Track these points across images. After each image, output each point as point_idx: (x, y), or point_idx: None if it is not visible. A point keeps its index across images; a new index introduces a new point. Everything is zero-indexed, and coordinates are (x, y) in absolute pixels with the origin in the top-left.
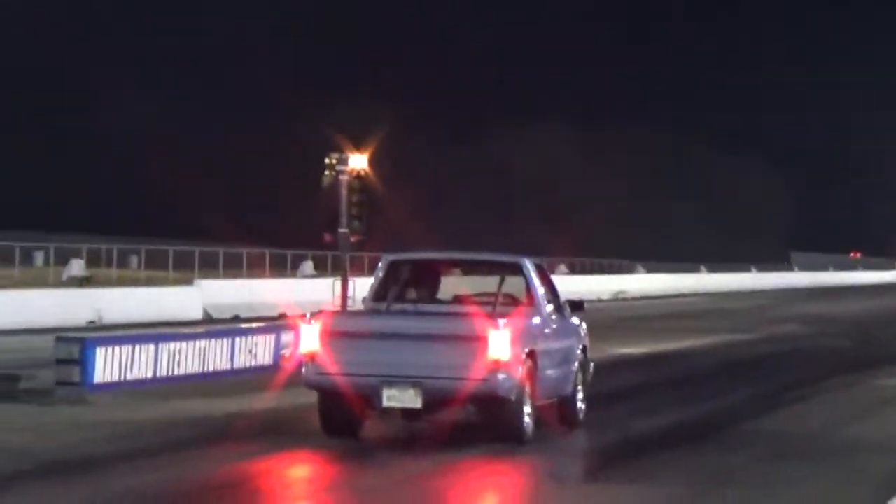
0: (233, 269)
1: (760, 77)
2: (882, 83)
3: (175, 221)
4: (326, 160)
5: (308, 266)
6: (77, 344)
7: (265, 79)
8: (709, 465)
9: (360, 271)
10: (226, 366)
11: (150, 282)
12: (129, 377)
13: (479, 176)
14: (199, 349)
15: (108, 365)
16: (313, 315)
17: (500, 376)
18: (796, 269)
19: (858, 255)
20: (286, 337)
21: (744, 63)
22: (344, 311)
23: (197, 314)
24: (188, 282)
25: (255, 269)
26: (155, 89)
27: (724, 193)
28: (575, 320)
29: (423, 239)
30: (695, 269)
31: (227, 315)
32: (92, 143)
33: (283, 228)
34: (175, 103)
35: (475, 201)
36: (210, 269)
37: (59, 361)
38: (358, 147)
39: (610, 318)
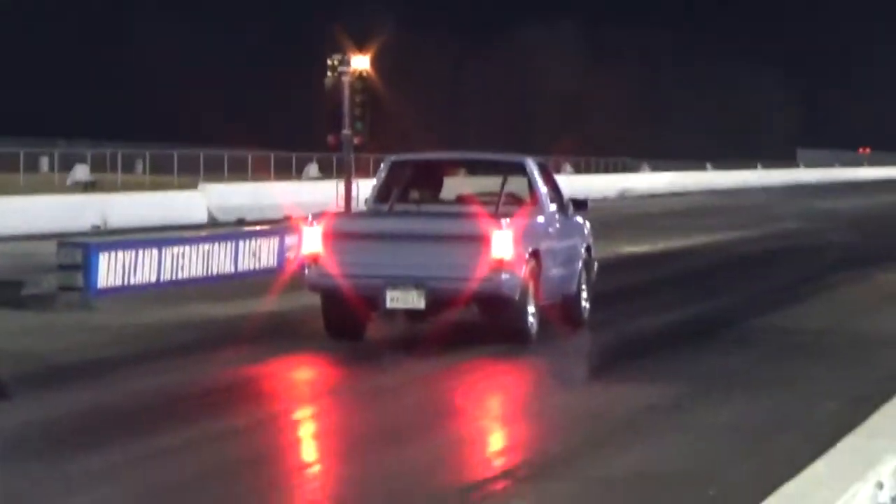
0: (238, 172)
1: None
2: None
3: (180, 126)
4: (329, 61)
5: (313, 168)
6: (80, 249)
7: None
8: (713, 363)
9: (366, 173)
10: (230, 269)
11: (154, 186)
12: (132, 282)
13: (484, 78)
14: (203, 253)
15: (111, 270)
16: (315, 217)
17: (504, 276)
18: (802, 165)
19: (867, 150)
20: (290, 239)
21: None
22: (346, 212)
23: (202, 218)
24: (193, 186)
25: (259, 172)
26: None
27: (729, 91)
28: (579, 219)
29: (428, 140)
30: (700, 167)
31: (233, 218)
32: (94, 49)
33: (289, 130)
34: (178, 8)
35: (480, 103)
36: (215, 172)
37: (62, 267)
38: (360, 48)
39: (615, 217)
